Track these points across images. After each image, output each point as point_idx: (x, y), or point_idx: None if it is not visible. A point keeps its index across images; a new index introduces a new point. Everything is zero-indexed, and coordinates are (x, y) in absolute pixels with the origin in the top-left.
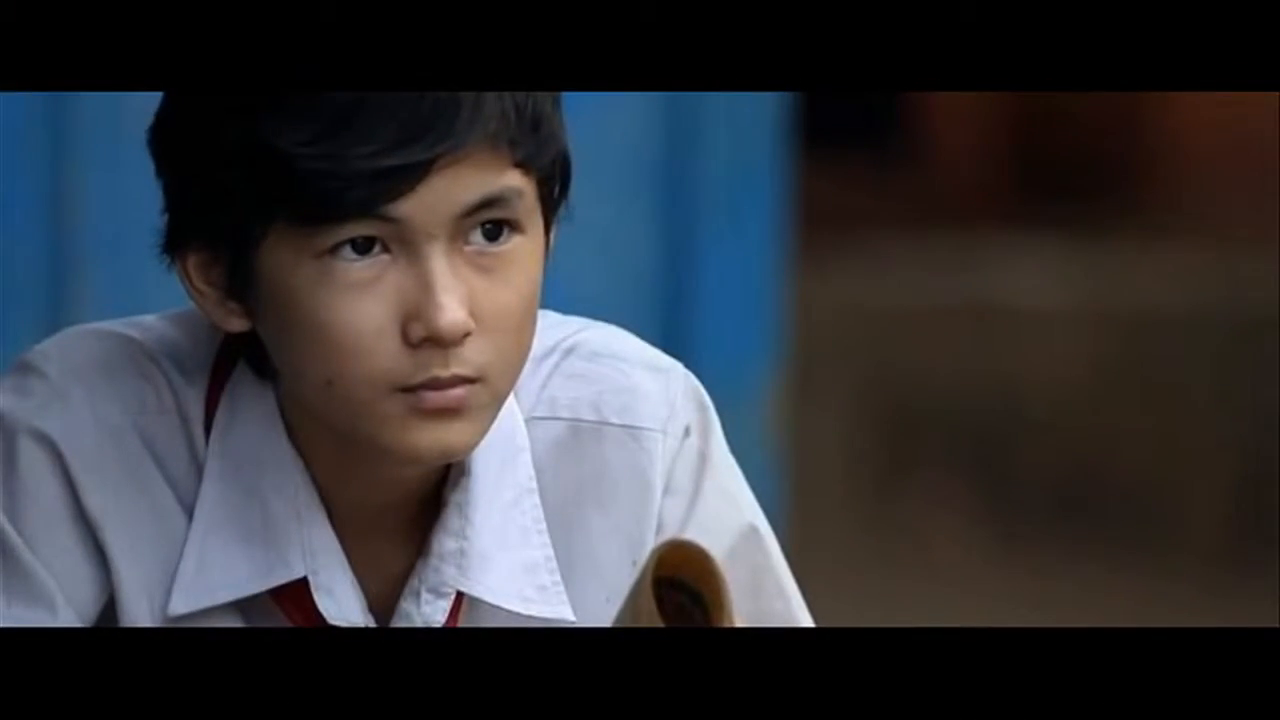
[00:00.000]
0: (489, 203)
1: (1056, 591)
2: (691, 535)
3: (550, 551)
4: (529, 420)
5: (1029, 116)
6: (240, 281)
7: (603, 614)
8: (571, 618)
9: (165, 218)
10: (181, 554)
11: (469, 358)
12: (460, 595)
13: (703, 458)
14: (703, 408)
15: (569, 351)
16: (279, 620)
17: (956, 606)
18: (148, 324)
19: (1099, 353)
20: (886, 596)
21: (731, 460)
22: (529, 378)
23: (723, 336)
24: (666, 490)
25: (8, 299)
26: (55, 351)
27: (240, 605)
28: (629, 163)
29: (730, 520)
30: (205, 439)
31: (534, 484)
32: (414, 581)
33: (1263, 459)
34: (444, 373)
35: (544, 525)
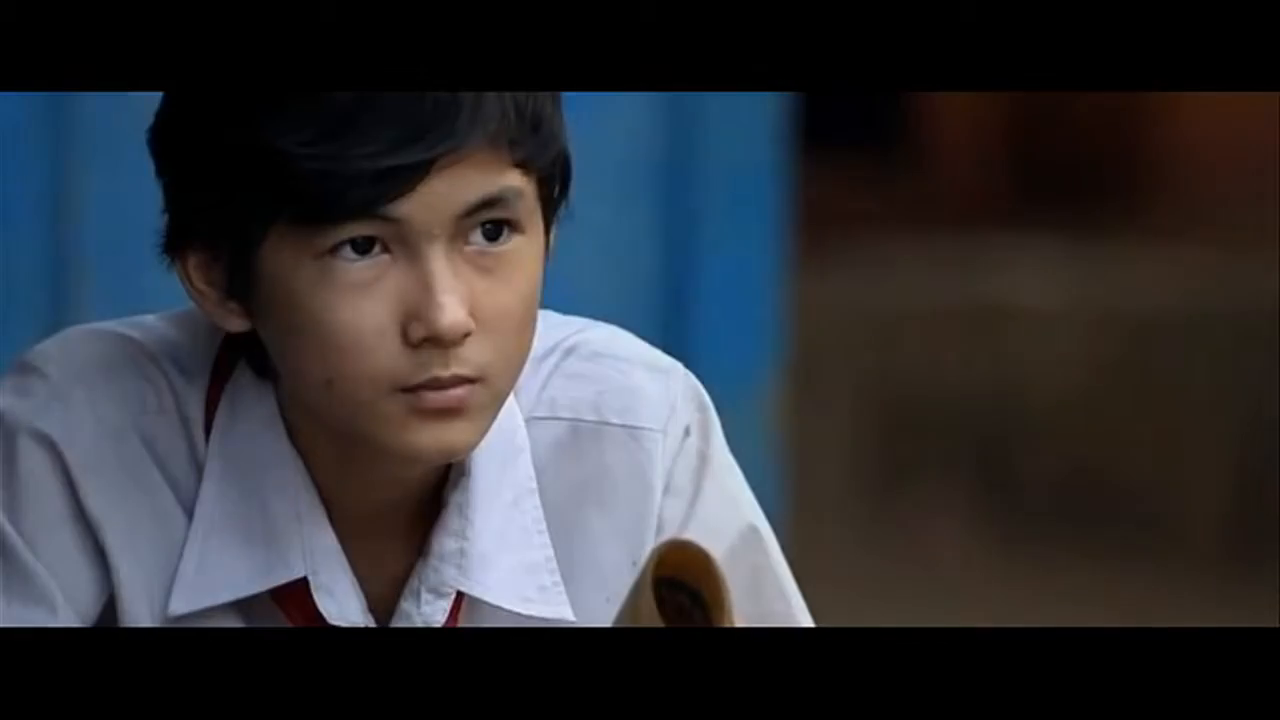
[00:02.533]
0: (489, 203)
1: (1056, 592)
2: (692, 535)
3: (550, 552)
4: (529, 420)
5: (1029, 117)
6: (240, 282)
7: (603, 614)
8: (571, 618)
9: (165, 218)
10: (181, 554)
11: (469, 358)
12: (460, 595)
13: (703, 458)
14: (703, 408)
15: (569, 351)
16: (279, 620)
17: (956, 606)
18: (148, 324)
19: (1099, 354)
20: (886, 596)
21: (731, 460)
22: (529, 378)
23: (723, 336)
24: (667, 490)
25: (8, 299)
26: (55, 352)
27: (240, 605)
28: (629, 163)
29: (730, 520)
30: (205, 439)
31: (534, 484)
32: (414, 581)
33: (1263, 459)
34: (444, 373)
35: (544, 525)
